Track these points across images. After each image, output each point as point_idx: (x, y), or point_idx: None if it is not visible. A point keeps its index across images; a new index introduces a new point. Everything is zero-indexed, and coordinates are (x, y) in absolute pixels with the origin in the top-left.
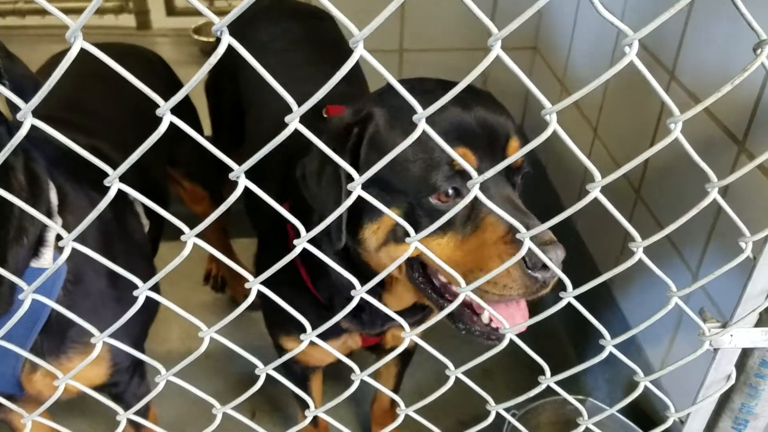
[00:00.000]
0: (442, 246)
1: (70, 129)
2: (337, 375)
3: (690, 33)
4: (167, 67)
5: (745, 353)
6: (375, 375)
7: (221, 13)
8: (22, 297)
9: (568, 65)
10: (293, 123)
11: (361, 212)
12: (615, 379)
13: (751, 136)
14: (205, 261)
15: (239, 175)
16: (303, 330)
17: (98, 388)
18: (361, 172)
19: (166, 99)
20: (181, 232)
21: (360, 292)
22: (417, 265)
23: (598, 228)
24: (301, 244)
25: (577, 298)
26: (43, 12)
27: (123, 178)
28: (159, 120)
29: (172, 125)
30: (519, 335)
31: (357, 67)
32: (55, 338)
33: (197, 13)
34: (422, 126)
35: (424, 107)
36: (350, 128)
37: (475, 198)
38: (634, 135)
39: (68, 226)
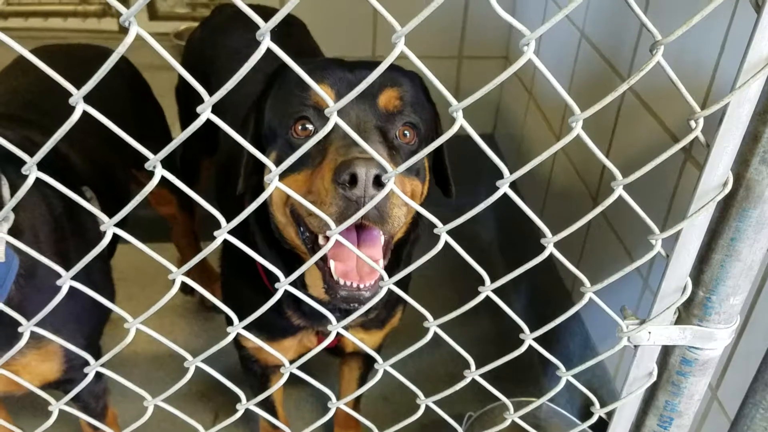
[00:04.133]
0: (299, 182)
1: (27, 127)
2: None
3: (643, 42)
4: (132, 69)
5: (667, 351)
6: (338, 377)
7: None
8: None
9: (535, 74)
10: (205, 113)
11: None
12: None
13: (696, 143)
14: (174, 264)
15: (155, 164)
16: (259, 328)
17: (54, 385)
18: (264, 116)
19: (131, 99)
20: (152, 236)
21: (284, 284)
22: (301, 221)
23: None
24: (222, 235)
25: (540, 309)
26: (25, 15)
27: (84, 179)
28: (120, 120)
29: (134, 128)
30: (484, 338)
31: None
32: (9, 333)
33: (179, 17)
34: (334, 118)
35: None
36: (269, 79)
37: (329, 134)
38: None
39: (20, 222)
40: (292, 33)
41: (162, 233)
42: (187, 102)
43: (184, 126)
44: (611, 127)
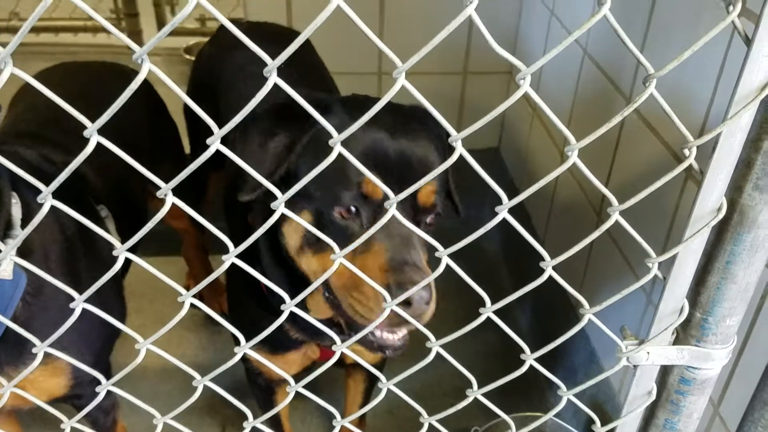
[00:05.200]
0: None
1: (47, 145)
2: (307, 389)
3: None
4: (148, 86)
5: (666, 370)
6: (343, 390)
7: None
8: None
9: (539, 90)
10: (214, 145)
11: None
12: (580, 399)
13: (699, 163)
14: (183, 277)
15: (167, 192)
16: (262, 342)
17: (61, 400)
18: (299, 156)
19: (147, 117)
20: (162, 249)
21: (289, 306)
22: (325, 284)
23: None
24: (229, 259)
25: (545, 322)
26: (37, 30)
27: (101, 197)
28: (138, 138)
29: (151, 147)
30: (490, 352)
31: (331, 87)
32: (14, 349)
33: (189, 33)
34: (338, 149)
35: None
36: (300, 129)
37: (373, 222)
38: (595, 159)
39: (30, 241)
40: (297, 50)
41: (173, 246)
42: (195, 119)
43: (192, 142)
44: (614, 145)
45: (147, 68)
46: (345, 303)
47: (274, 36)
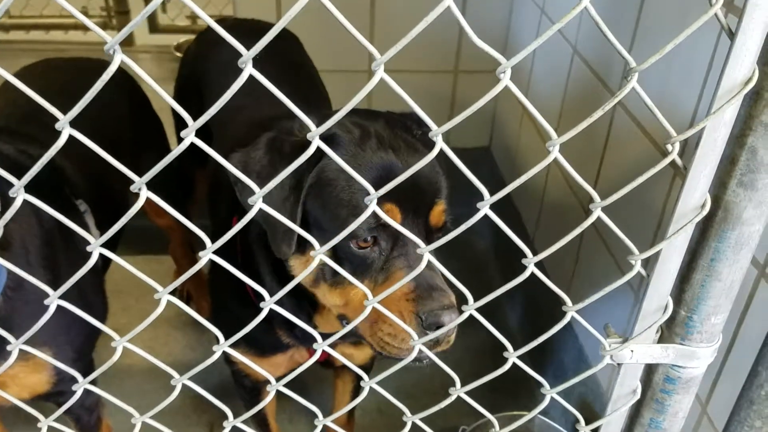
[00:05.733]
0: (358, 293)
1: (26, 140)
2: (296, 389)
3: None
4: (131, 81)
5: (651, 369)
6: (332, 390)
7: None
8: None
9: (529, 88)
10: (189, 137)
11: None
12: (568, 397)
13: (684, 160)
14: (172, 276)
15: (141, 186)
16: (249, 344)
17: (44, 397)
18: (306, 194)
19: (130, 112)
20: (151, 247)
21: (268, 304)
22: (342, 315)
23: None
24: (206, 256)
25: (535, 320)
26: (27, 27)
27: (79, 191)
28: (120, 133)
29: (133, 142)
30: (480, 349)
31: (319, 86)
32: None
33: (179, 30)
34: (316, 143)
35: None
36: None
37: (392, 250)
38: (584, 158)
39: (9, 234)
40: (284, 48)
41: (161, 245)
42: (181, 116)
43: (180, 140)
44: (603, 145)
45: (119, 59)
46: (373, 337)
47: (259, 32)
